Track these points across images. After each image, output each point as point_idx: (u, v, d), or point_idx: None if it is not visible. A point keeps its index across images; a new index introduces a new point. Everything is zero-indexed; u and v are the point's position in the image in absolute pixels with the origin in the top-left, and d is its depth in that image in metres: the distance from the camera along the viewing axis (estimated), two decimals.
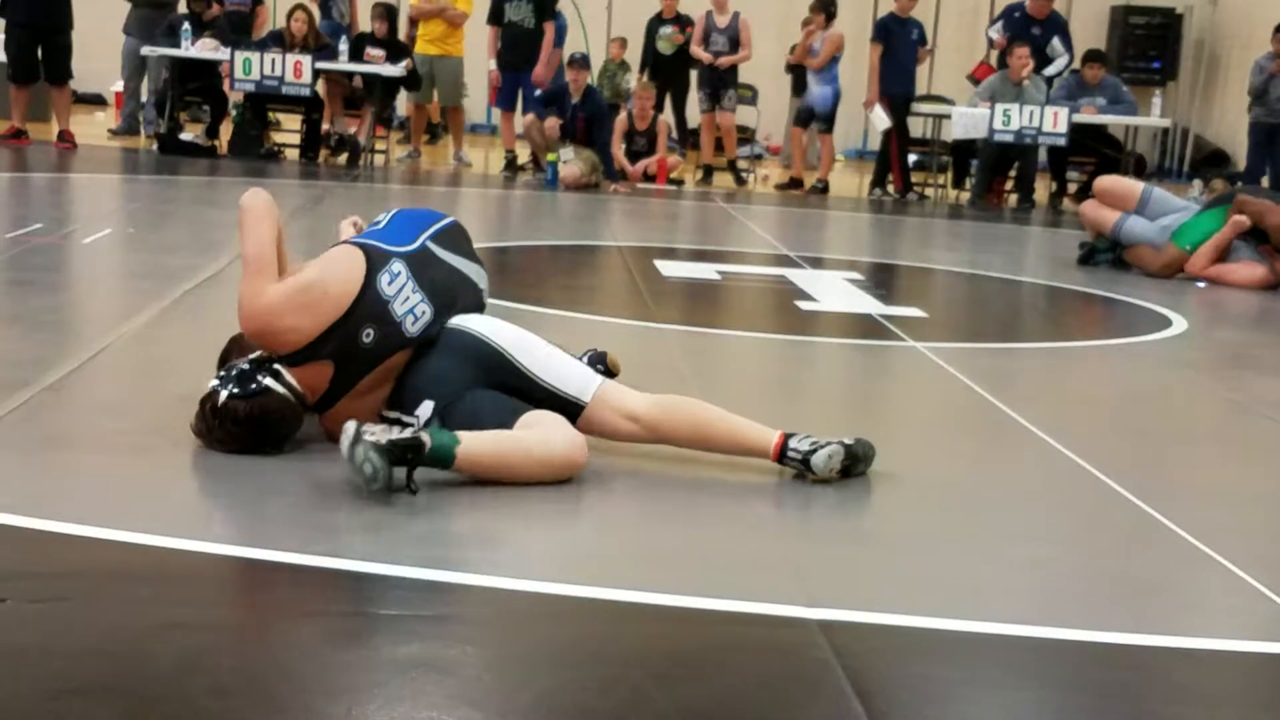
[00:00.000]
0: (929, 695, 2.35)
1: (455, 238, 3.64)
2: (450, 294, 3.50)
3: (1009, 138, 12.00)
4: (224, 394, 3.26)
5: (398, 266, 3.40)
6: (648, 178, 12.50)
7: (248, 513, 3.00)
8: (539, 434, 3.28)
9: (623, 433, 3.50)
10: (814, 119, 13.09)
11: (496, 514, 3.15)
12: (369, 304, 3.33)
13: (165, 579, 2.64)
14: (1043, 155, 12.78)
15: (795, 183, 13.05)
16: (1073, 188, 12.97)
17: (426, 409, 3.39)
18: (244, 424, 3.25)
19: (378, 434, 3.03)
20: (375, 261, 3.40)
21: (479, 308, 3.63)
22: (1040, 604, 2.80)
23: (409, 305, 3.38)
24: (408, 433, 3.07)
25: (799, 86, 13.90)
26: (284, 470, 3.27)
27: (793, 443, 3.45)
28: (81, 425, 3.58)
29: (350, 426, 3.07)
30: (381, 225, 3.60)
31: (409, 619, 2.52)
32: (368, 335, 3.33)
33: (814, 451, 3.42)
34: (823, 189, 12.86)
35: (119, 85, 14.01)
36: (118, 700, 2.10)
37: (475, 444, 3.16)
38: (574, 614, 2.60)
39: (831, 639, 2.50)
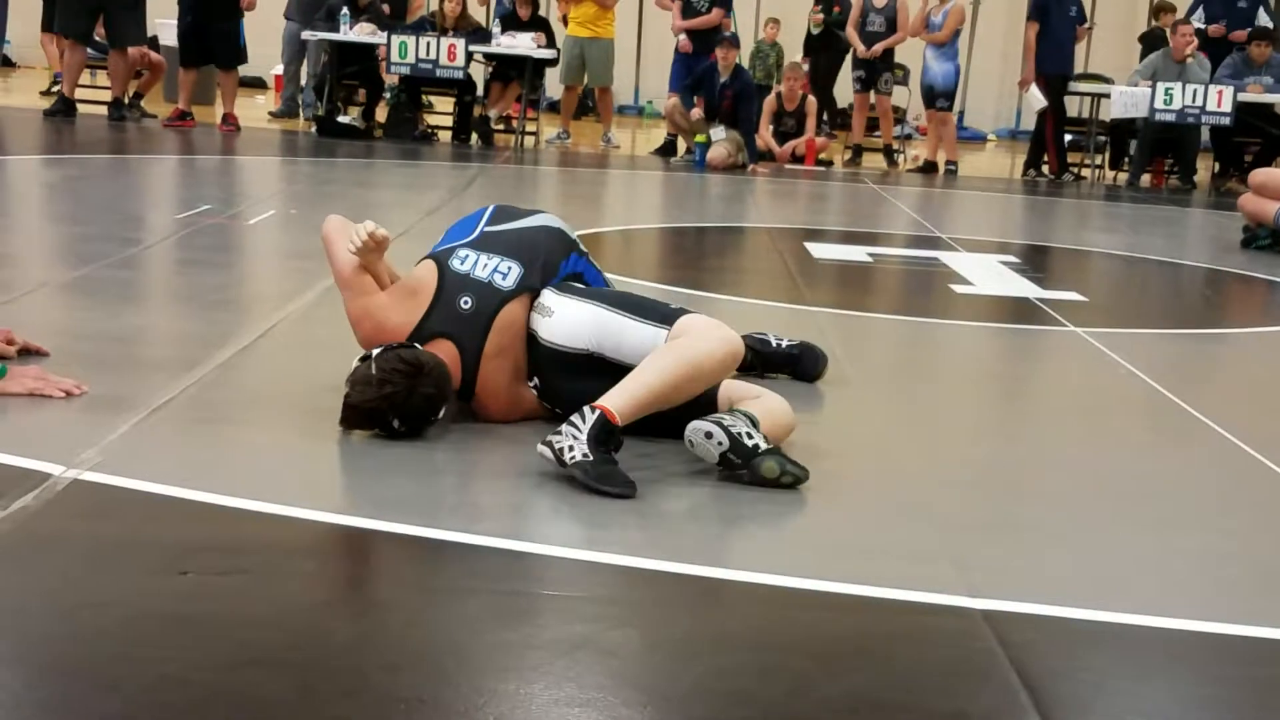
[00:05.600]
0: (1097, 688, 2.31)
1: (504, 214, 3.76)
2: (529, 247, 3.60)
3: (1171, 117, 11.66)
4: (378, 350, 3.35)
5: (464, 252, 3.57)
6: (796, 158, 12.42)
7: (414, 491, 3.07)
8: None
9: None
10: (935, 97, 12.40)
11: (657, 498, 3.17)
12: (452, 282, 3.50)
13: (336, 554, 2.72)
14: (1205, 135, 12.40)
15: (930, 166, 12.62)
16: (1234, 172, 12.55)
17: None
18: (402, 371, 3.27)
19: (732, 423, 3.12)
20: (442, 256, 3.58)
21: (566, 244, 3.69)
22: (1209, 597, 2.74)
23: (489, 268, 3.52)
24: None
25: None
26: (448, 452, 3.33)
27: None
28: (252, 403, 3.69)
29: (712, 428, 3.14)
30: (440, 242, 3.74)
31: (572, 599, 2.55)
32: (465, 302, 3.48)
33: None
34: (954, 171, 12.50)
35: (279, 69, 14.36)
36: (294, 672, 2.16)
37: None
38: (734, 599, 2.61)
39: (995, 629, 2.47)
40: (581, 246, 3.77)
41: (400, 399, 3.30)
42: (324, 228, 3.71)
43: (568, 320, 3.48)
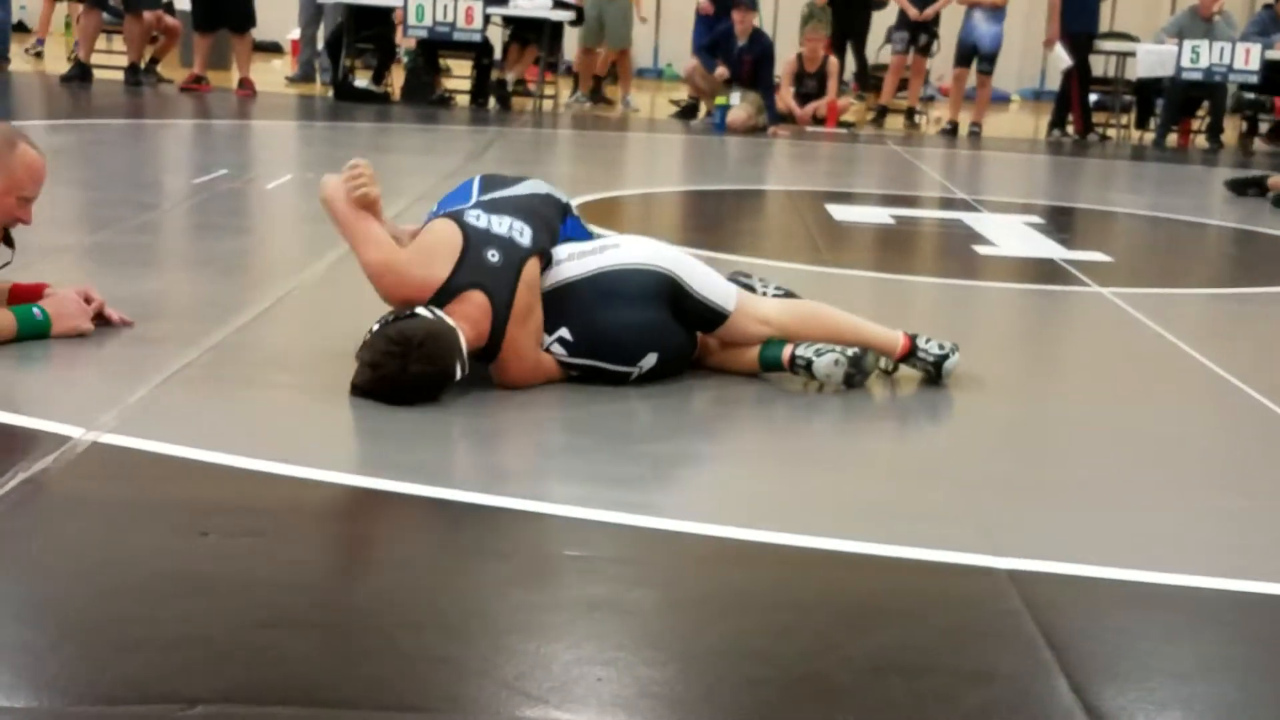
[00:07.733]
0: (1123, 648, 2.28)
1: (494, 183, 3.76)
2: (529, 210, 3.63)
3: (1197, 76, 11.54)
4: (378, 325, 3.32)
5: (475, 212, 3.57)
6: (817, 120, 12.33)
7: (433, 453, 3.06)
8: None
9: (757, 336, 3.71)
10: (976, 58, 12.21)
11: (678, 457, 3.16)
12: (475, 235, 3.49)
13: (356, 516, 2.71)
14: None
15: (954, 127, 12.50)
16: (1264, 127, 12.43)
17: (651, 359, 3.55)
18: (392, 352, 3.25)
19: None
20: (456, 213, 3.57)
21: (560, 208, 3.75)
22: (1235, 557, 2.71)
23: (505, 226, 3.53)
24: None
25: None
26: (466, 415, 3.32)
27: (920, 343, 3.70)
28: (270, 365, 3.68)
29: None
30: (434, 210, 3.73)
31: (592, 560, 2.53)
32: (492, 255, 3.46)
33: (945, 357, 3.67)
34: (976, 133, 12.36)
35: (296, 33, 14.31)
36: (316, 632, 2.15)
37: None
38: (756, 559, 2.59)
39: (1021, 589, 2.44)
40: (571, 208, 3.81)
41: (390, 381, 3.28)
42: (321, 192, 3.62)
43: (657, 248, 3.68)
